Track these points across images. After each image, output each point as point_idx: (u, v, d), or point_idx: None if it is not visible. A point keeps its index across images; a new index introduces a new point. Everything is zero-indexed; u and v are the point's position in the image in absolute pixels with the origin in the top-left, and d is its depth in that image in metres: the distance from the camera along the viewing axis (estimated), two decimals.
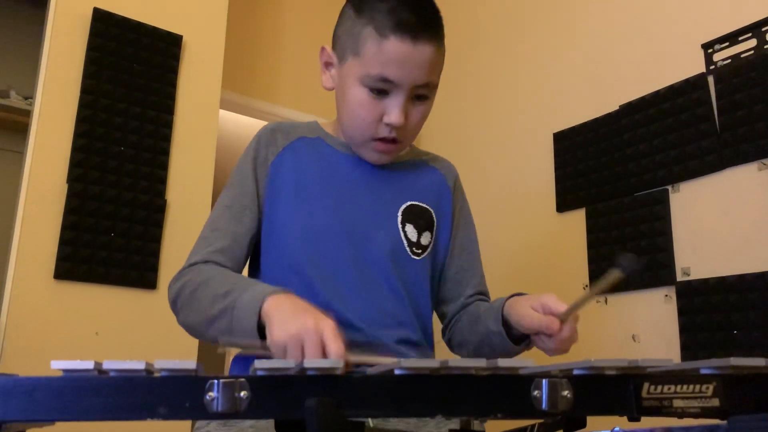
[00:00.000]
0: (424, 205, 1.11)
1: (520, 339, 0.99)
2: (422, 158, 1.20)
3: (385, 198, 1.09)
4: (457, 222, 1.18)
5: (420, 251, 1.08)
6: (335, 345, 0.74)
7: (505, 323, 0.99)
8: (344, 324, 0.97)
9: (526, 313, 0.93)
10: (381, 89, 0.99)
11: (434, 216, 1.12)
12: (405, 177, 1.13)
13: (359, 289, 1.01)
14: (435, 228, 1.12)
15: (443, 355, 0.65)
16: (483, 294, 1.17)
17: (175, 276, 1.00)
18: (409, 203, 1.10)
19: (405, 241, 1.07)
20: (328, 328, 0.76)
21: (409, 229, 1.08)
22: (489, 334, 1.02)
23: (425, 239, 1.09)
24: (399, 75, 0.97)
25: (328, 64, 1.08)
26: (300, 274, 1.01)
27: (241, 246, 1.03)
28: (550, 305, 0.90)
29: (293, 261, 1.02)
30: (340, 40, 1.04)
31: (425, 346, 1.07)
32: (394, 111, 0.99)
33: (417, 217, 1.09)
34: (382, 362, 0.74)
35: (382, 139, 1.03)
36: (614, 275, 0.76)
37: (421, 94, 1.01)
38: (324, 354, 0.74)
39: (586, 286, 2.27)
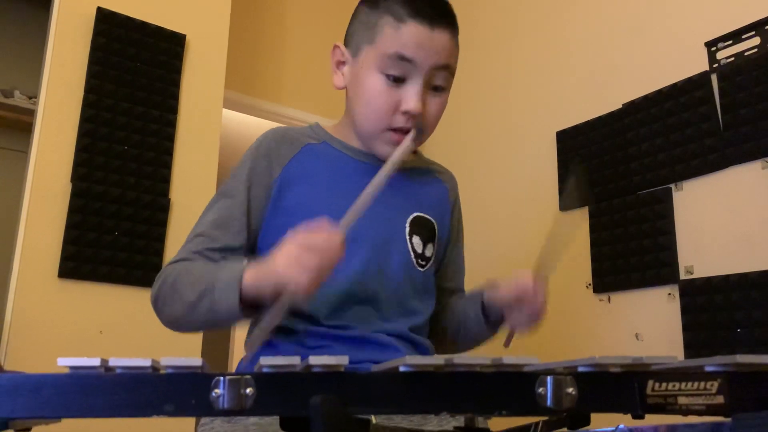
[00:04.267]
0: (428, 217, 1.11)
1: (494, 323, 1.06)
2: (428, 167, 1.19)
3: (395, 208, 1.07)
4: (454, 237, 1.19)
5: (424, 263, 1.08)
6: (329, 236, 0.80)
7: (483, 309, 1.06)
8: (345, 334, 0.97)
9: (501, 285, 1.00)
10: (398, 76, 0.98)
11: (436, 228, 1.12)
12: (412, 186, 1.12)
13: (370, 301, 1.00)
14: (436, 240, 1.12)
15: None
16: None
17: (156, 280, 0.99)
18: (415, 215, 1.09)
19: (412, 253, 1.06)
20: (316, 228, 0.81)
21: (416, 240, 1.07)
22: (465, 318, 1.09)
23: (429, 251, 1.09)
24: (416, 55, 0.96)
25: (339, 63, 1.07)
26: None
27: (225, 253, 1.00)
28: (520, 272, 0.97)
29: None
30: (353, 36, 1.05)
31: (427, 345, 1.07)
32: (411, 98, 0.98)
33: (422, 228, 1.09)
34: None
35: (398, 130, 1.00)
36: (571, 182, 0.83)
37: (438, 84, 1.01)
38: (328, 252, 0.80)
39: (589, 284, 2.27)
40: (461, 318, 1.11)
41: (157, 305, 0.97)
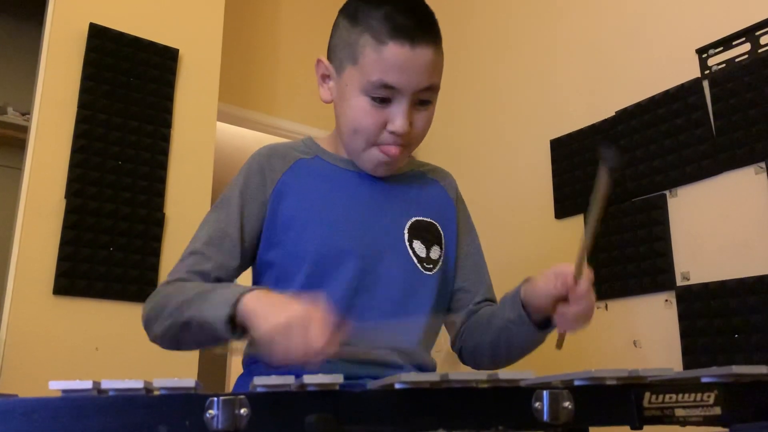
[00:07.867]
0: (429, 220, 1.10)
1: (541, 325, 0.97)
2: (422, 170, 1.18)
3: (391, 215, 1.07)
4: (461, 233, 1.16)
5: (431, 266, 1.06)
6: (319, 334, 0.73)
7: (524, 309, 0.97)
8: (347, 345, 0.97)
9: (540, 283, 0.93)
10: (383, 97, 0.97)
11: (440, 229, 1.11)
12: (407, 191, 1.12)
13: (370, 311, 0.99)
14: (443, 241, 1.10)
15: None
16: (491, 301, 1.15)
17: (149, 297, 0.98)
18: (414, 219, 1.08)
19: (415, 258, 1.05)
20: (316, 316, 0.75)
21: (417, 245, 1.06)
22: (507, 324, 0.99)
23: (435, 253, 1.08)
24: (400, 80, 0.95)
25: (325, 77, 1.06)
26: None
27: (218, 272, 1.00)
28: (560, 268, 0.92)
29: (303, 288, 0.99)
30: (336, 50, 1.03)
31: (429, 362, 1.06)
32: (398, 119, 0.97)
33: (424, 232, 1.08)
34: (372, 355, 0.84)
35: (385, 145, 1.01)
36: (602, 176, 0.82)
37: (424, 99, 1.00)
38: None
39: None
40: (500, 324, 1.01)
41: (148, 325, 0.96)
